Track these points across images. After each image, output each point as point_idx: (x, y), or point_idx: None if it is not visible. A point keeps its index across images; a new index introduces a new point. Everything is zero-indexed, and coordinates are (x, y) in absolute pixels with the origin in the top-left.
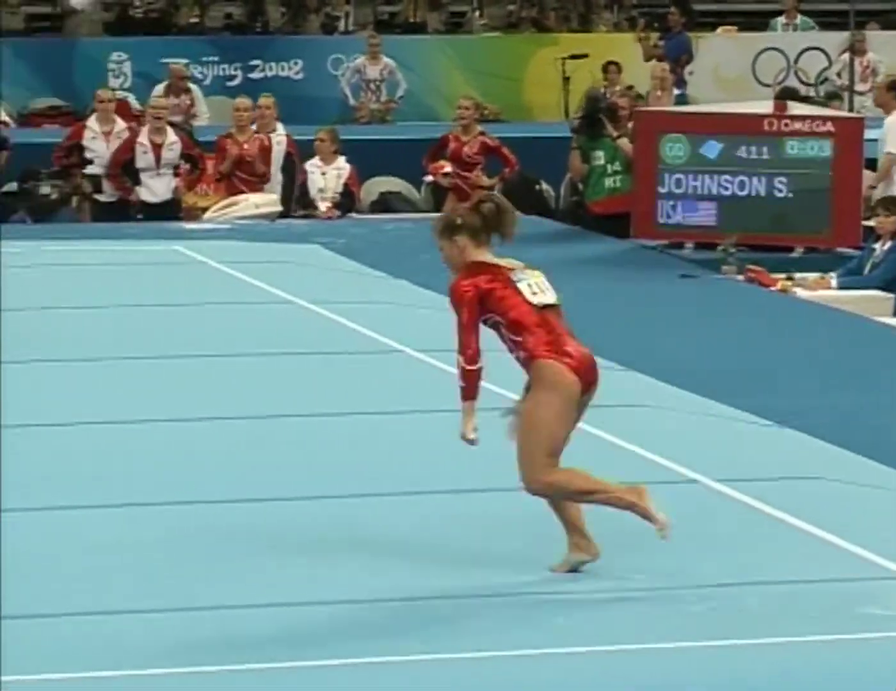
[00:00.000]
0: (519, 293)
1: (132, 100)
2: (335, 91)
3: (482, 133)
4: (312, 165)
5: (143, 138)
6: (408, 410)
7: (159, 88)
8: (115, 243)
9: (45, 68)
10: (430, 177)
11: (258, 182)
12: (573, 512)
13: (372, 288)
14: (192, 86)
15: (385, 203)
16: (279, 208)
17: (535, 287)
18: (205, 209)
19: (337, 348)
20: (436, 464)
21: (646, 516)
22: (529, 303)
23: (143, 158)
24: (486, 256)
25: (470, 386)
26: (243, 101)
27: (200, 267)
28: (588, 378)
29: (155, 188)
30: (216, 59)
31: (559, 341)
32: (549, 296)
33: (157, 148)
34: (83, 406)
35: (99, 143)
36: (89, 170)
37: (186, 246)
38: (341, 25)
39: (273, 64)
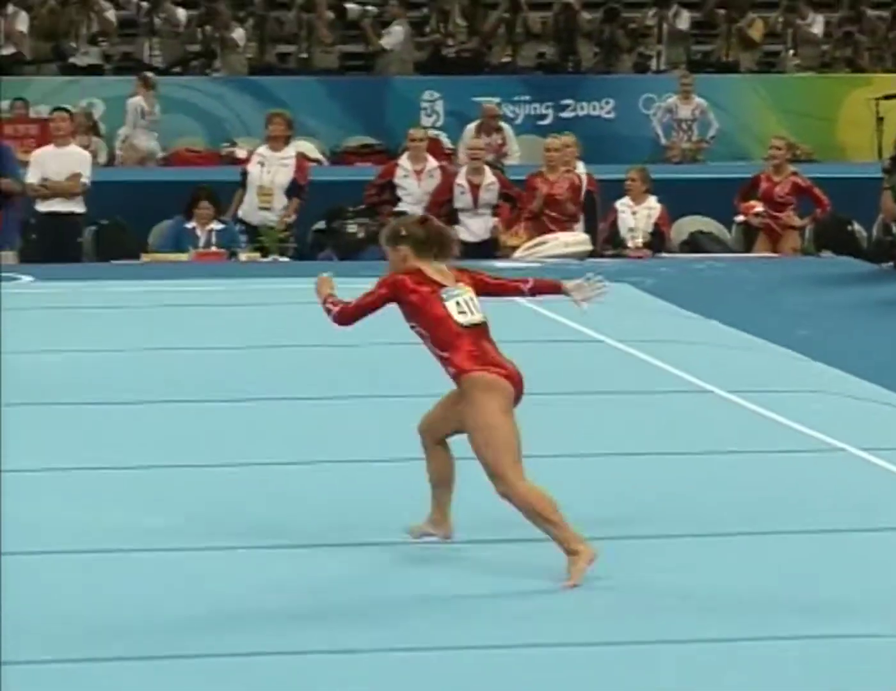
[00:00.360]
0: (444, 309)
1: (444, 138)
2: (646, 130)
3: (794, 173)
4: (623, 204)
5: (461, 179)
6: (715, 451)
7: (471, 127)
8: None
9: (358, 107)
10: (741, 217)
11: (567, 221)
12: (446, 498)
13: (682, 327)
14: (504, 125)
15: (695, 243)
16: (589, 247)
17: (464, 305)
18: (515, 248)
19: (646, 387)
20: (743, 504)
21: (570, 570)
22: (455, 322)
23: (462, 199)
24: (426, 267)
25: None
26: (554, 141)
27: (510, 304)
28: (518, 389)
29: (473, 227)
30: (528, 98)
31: (486, 356)
32: (477, 316)
33: (474, 188)
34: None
35: (410, 181)
36: (398, 207)
37: None
38: (653, 65)
39: (584, 103)
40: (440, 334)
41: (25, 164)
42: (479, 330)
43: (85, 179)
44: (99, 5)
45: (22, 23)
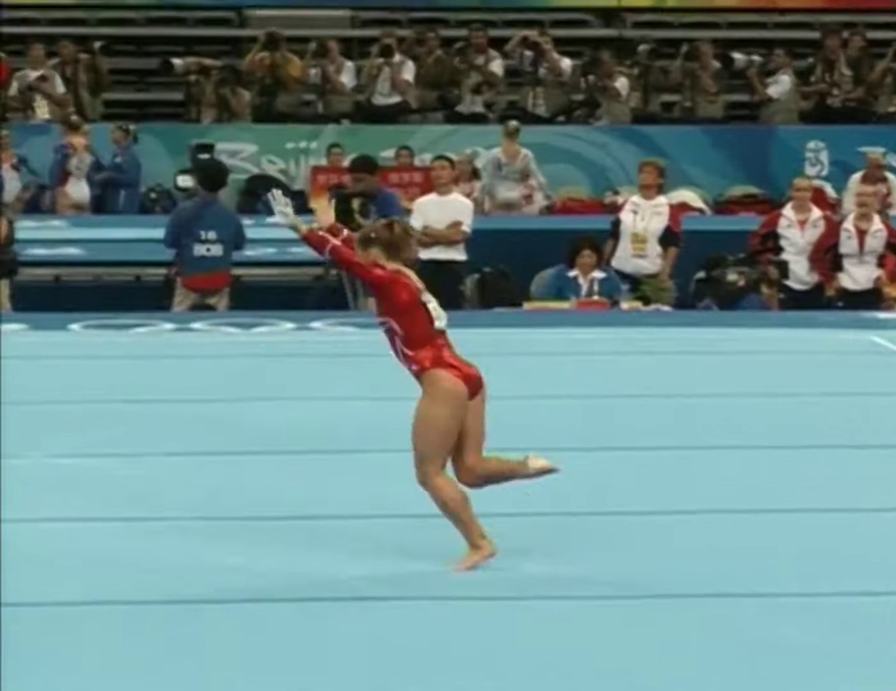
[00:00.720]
0: (426, 312)
1: (828, 188)
2: None
3: None
4: None
5: (849, 224)
6: None
7: (856, 177)
8: (805, 331)
9: (742, 156)
10: None
11: None
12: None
13: None
14: (889, 175)
15: None
16: None
17: (436, 311)
18: None
19: None
20: None
21: (466, 556)
22: (431, 325)
23: (847, 244)
24: (403, 269)
25: (318, 237)
26: None
27: (870, 347)
28: (472, 386)
29: (856, 275)
30: None
31: (445, 356)
32: (444, 322)
33: (861, 234)
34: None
35: (794, 230)
36: (781, 257)
37: (882, 336)
38: None
39: None
40: (415, 333)
41: (409, 211)
42: (445, 335)
43: (466, 227)
44: (486, 55)
45: (408, 72)
